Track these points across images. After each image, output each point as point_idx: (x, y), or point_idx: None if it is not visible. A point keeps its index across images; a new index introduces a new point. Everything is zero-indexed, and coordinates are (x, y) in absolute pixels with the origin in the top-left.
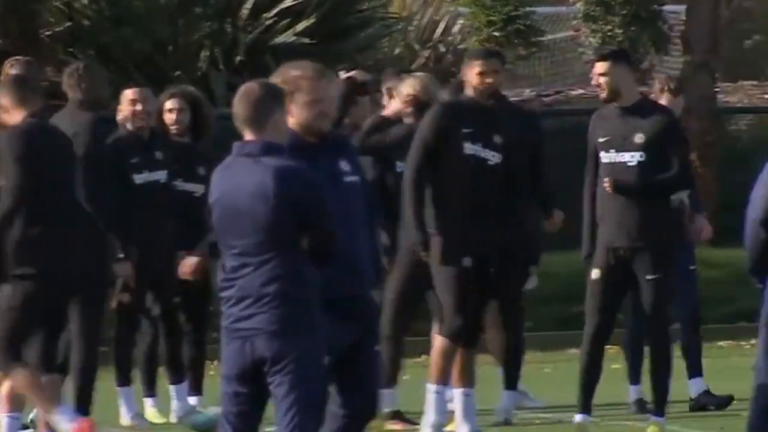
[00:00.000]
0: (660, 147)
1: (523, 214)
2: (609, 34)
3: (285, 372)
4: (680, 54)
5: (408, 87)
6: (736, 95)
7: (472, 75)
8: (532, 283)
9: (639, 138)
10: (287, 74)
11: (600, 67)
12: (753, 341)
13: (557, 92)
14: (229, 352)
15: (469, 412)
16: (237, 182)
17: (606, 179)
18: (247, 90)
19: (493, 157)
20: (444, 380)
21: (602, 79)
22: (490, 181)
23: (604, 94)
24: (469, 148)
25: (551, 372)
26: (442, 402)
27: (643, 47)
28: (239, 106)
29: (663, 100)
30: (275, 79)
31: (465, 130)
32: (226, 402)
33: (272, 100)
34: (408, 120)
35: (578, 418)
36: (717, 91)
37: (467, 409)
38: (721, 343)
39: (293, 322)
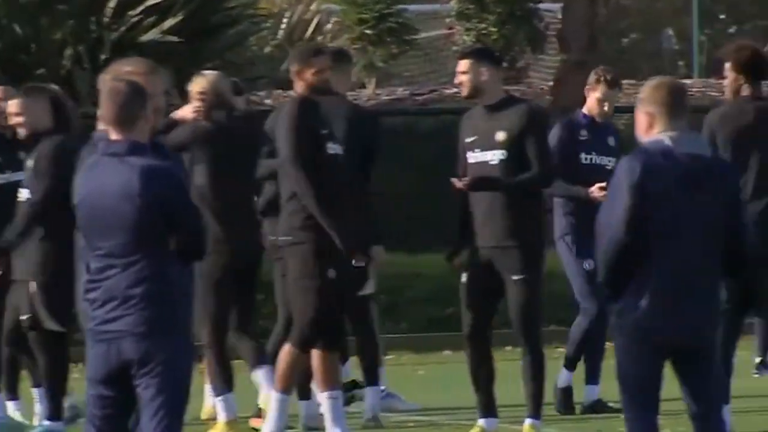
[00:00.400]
0: (522, 144)
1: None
2: (483, 32)
3: (152, 374)
4: (556, 53)
5: (197, 86)
6: None
7: (308, 73)
8: (369, 288)
9: (500, 136)
10: (119, 71)
11: (462, 65)
12: None
13: (431, 91)
14: (95, 354)
15: (338, 415)
16: (102, 182)
17: (464, 179)
18: (113, 89)
19: (342, 152)
20: (288, 388)
21: (463, 77)
22: (342, 179)
23: (464, 92)
24: (330, 147)
25: (425, 374)
26: (284, 408)
27: (518, 46)
28: (106, 105)
29: (598, 92)
30: (106, 76)
31: (323, 131)
32: (91, 405)
33: (139, 99)
34: (199, 121)
35: (481, 422)
36: None
37: (335, 412)
38: None
39: (161, 323)
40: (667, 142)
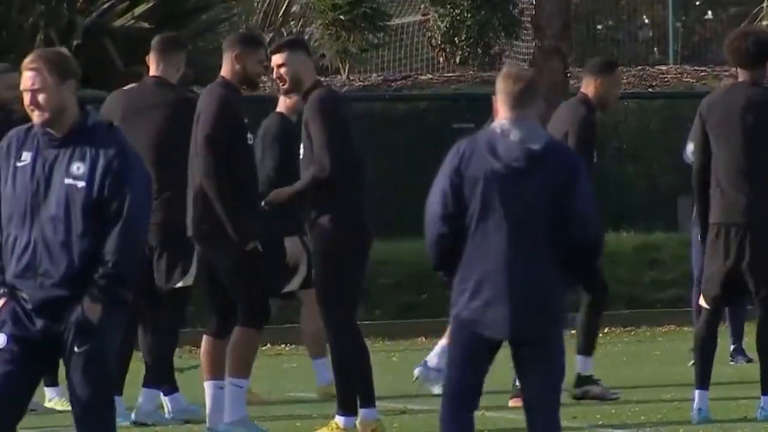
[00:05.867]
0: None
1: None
2: (458, 18)
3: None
4: (531, 39)
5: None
6: None
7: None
8: (187, 281)
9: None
10: None
11: (278, 58)
12: (630, 329)
13: (405, 77)
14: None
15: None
16: None
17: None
18: None
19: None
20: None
21: (282, 70)
22: None
23: (284, 86)
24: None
25: (398, 361)
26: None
27: (492, 32)
28: None
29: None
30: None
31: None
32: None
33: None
34: None
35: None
36: (569, 77)
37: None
38: None
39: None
40: (498, 130)
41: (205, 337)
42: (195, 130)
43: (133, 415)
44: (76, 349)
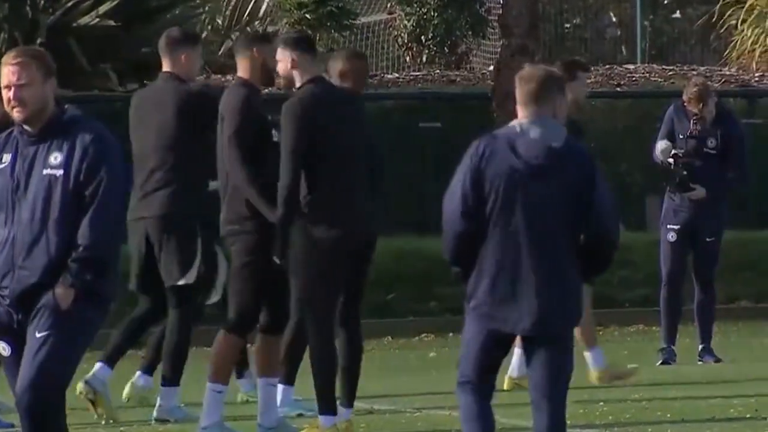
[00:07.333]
0: None
1: None
2: (424, 17)
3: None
4: (498, 38)
5: None
6: None
7: None
8: (189, 278)
9: None
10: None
11: (279, 53)
12: (599, 328)
13: (372, 76)
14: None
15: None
16: None
17: None
18: None
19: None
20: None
21: (280, 66)
22: None
23: (282, 81)
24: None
25: (365, 361)
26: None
27: (459, 30)
28: None
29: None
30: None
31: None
32: None
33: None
34: None
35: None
36: None
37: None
38: None
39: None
40: (517, 129)
41: (258, 334)
42: (220, 134)
43: (154, 413)
44: (37, 333)
